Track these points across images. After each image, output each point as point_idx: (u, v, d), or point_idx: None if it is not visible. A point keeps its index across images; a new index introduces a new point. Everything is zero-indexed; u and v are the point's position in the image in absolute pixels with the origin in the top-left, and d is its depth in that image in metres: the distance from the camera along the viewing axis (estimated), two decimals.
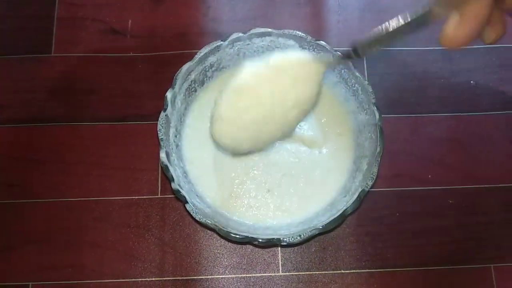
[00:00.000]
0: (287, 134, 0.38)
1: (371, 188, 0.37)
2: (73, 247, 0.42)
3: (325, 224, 0.36)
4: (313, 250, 0.43)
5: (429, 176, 0.45)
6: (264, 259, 0.42)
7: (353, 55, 0.33)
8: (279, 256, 0.43)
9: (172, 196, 0.44)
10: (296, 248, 0.43)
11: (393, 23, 0.31)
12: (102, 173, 0.45)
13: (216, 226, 0.36)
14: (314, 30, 0.50)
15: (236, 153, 0.41)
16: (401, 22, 0.30)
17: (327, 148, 0.42)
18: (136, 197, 0.44)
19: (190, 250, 0.43)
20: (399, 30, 0.31)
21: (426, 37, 0.50)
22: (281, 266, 0.42)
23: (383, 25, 0.31)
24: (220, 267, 0.42)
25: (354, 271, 0.42)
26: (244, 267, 0.42)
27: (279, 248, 0.43)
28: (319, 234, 0.37)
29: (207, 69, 0.42)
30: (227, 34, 0.41)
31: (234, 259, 0.42)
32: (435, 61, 0.49)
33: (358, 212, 0.43)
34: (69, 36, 0.49)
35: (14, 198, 0.43)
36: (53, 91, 0.47)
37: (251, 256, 0.43)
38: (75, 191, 0.44)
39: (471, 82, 0.49)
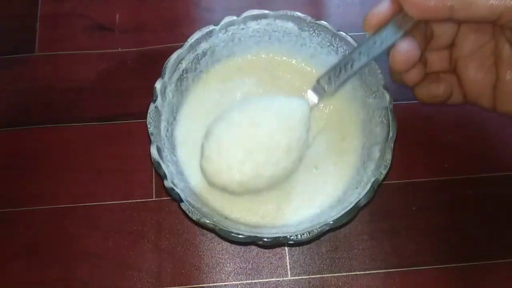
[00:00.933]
0: (282, 179, 0.36)
1: (385, 177, 0.34)
2: (62, 258, 0.39)
3: (336, 219, 0.32)
4: (323, 251, 0.39)
5: (446, 166, 0.42)
6: (271, 263, 0.39)
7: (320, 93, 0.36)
8: (287, 259, 0.39)
9: (168, 198, 0.40)
10: (305, 249, 0.39)
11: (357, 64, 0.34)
12: (91, 177, 0.41)
13: (216, 226, 0.32)
14: (313, 16, 0.47)
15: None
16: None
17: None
18: (129, 201, 0.40)
19: (189, 256, 0.39)
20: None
21: None
22: (290, 269, 0.39)
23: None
24: (223, 273, 0.38)
25: (370, 272, 0.38)
26: (249, 272, 0.39)
27: (287, 249, 0.39)
28: (330, 230, 0.33)
29: (199, 57, 0.39)
30: (219, 19, 0.38)
31: (237, 264, 0.39)
32: None
33: (371, 207, 0.40)
34: (53, 33, 0.46)
35: None
36: (38, 92, 0.44)
37: (256, 260, 0.39)
38: (63, 198, 0.40)
39: None
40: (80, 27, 0.47)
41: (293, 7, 0.47)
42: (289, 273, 0.38)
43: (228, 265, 0.39)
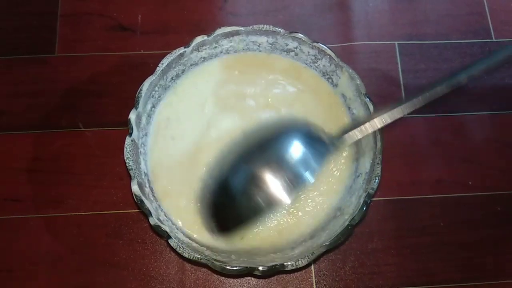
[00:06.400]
0: None
1: (376, 189, 0.33)
2: (83, 268, 0.38)
3: (333, 240, 0.32)
4: (349, 267, 0.38)
5: (470, 183, 0.41)
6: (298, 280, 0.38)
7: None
8: (313, 278, 0.38)
9: None
10: (329, 264, 0.38)
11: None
12: (112, 184, 0.40)
13: (208, 260, 0.31)
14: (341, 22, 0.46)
15: None
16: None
17: None
18: None
19: None
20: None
21: (464, 28, 0.46)
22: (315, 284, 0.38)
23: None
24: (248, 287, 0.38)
25: None
26: (273, 287, 0.38)
27: (313, 268, 0.38)
28: (328, 251, 0.33)
29: (173, 79, 0.39)
30: (191, 40, 0.38)
31: None
32: (474, 54, 0.45)
33: (397, 223, 0.39)
34: (74, 34, 0.45)
35: (17, 214, 0.39)
36: (57, 94, 0.43)
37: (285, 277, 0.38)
38: (84, 205, 0.40)
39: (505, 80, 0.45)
40: (101, 27, 0.45)
41: (318, 11, 0.46)
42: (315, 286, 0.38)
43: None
